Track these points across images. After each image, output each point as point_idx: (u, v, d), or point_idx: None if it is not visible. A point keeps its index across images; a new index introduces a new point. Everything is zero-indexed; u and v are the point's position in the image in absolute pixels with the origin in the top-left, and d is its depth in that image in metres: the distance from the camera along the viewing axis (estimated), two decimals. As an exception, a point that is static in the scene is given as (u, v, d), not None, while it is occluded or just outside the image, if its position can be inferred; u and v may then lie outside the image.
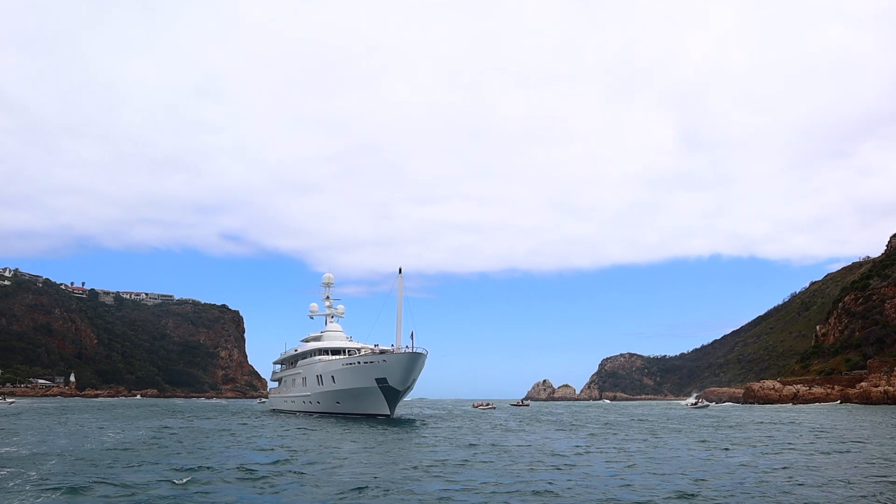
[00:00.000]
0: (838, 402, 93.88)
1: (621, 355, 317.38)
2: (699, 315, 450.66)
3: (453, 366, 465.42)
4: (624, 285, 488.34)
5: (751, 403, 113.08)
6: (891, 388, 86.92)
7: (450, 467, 20.11)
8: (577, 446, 28.10)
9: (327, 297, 76.81)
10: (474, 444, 28.04)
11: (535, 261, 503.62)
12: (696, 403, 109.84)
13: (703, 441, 30.62)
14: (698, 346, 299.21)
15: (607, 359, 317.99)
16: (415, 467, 20.00)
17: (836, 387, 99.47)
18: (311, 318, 78.44)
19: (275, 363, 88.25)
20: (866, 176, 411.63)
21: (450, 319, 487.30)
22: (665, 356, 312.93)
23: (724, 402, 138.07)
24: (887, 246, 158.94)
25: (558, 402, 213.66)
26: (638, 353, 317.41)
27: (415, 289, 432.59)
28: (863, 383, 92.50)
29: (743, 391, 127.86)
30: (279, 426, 42.89)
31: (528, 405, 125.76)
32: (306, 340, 74.28)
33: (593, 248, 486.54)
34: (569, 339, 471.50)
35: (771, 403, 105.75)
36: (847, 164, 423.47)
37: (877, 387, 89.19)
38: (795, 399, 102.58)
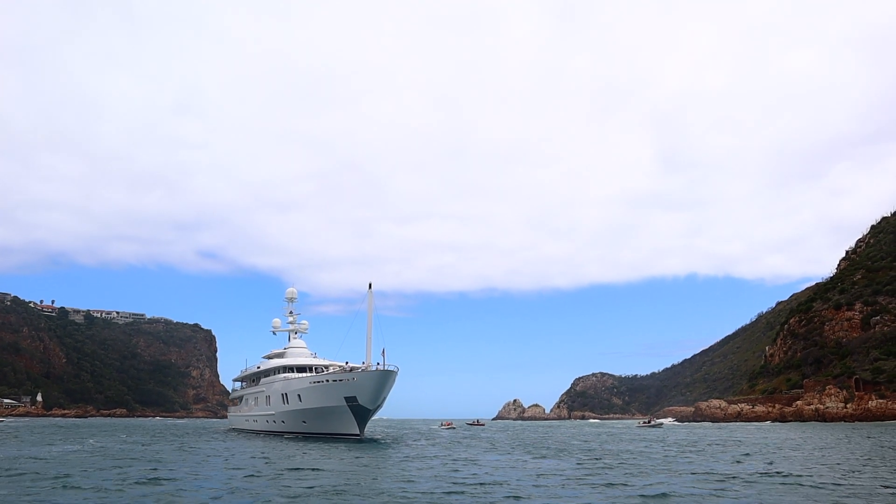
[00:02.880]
0: (774, 420, 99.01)
1: (593, 375, 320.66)
2: (675, 334, 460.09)
3: (429, 385, 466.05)
4: (601, 305, 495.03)
5: (700, 422, 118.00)
6: (821, 407, 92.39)
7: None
8: (448, 454, 32.38)
9: (290, 313, 75.38)
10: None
11: (514, 280, 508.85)
12: (648, 422, 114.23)
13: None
14: (670, 365, 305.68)
15: (580, 378, 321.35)
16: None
17: (776, 405, 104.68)
18: (274, 333, 77.46)
19: (235, 380, 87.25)
20: (838, 196, 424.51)
21: (428, 339, 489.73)
22: (636, 375, 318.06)
23: (682, 420, 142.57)
24: (837, 269, 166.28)
25: (528, 422, 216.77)
26: (612, 372, 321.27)
27: (393, 308, 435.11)
28: (798, 402, 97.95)
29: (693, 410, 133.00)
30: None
31: (482, 425, 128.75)
32: (269, 357, 73.34)
33: (572, 267, 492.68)
34: (545, 359, 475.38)
35: (717, 421, 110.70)
36: (820, 185, 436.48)
37: (809, 405, 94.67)
38: (739, 417, 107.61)
